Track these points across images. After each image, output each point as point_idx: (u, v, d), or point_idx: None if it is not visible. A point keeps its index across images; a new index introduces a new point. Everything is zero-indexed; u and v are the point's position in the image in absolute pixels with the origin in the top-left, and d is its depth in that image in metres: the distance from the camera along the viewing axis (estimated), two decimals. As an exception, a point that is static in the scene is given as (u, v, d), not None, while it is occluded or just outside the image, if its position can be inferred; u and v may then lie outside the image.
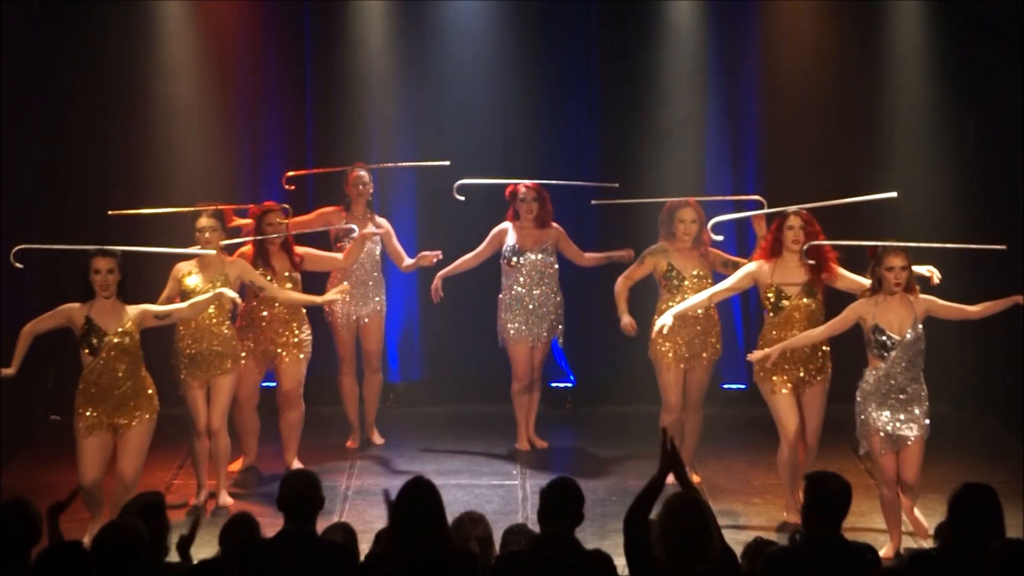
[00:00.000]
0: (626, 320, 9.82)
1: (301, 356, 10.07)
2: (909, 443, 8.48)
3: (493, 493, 9.74)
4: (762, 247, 9.29)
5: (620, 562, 6.14)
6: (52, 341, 10.69)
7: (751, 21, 11.82)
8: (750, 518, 9.27)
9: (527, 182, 10.65)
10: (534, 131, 11.98)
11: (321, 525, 6.44)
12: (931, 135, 11.76)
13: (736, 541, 8.30)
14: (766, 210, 9.75)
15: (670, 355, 9.75)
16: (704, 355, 9.81)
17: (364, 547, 6.58)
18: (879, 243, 8.59)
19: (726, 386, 10.30)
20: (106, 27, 11.49)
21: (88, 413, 8.62)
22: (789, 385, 9.08)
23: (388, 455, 10.73)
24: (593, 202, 10.75)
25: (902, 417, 8.48)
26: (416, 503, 5.98)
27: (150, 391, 8.76)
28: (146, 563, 5.67)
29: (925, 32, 11.65)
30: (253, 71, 11.76)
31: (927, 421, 8.51)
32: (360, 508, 9.42)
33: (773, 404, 9.13)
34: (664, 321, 9.35)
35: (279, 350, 10.03)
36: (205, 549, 6.68)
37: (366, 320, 10.79)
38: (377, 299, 10.81)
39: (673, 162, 11.79)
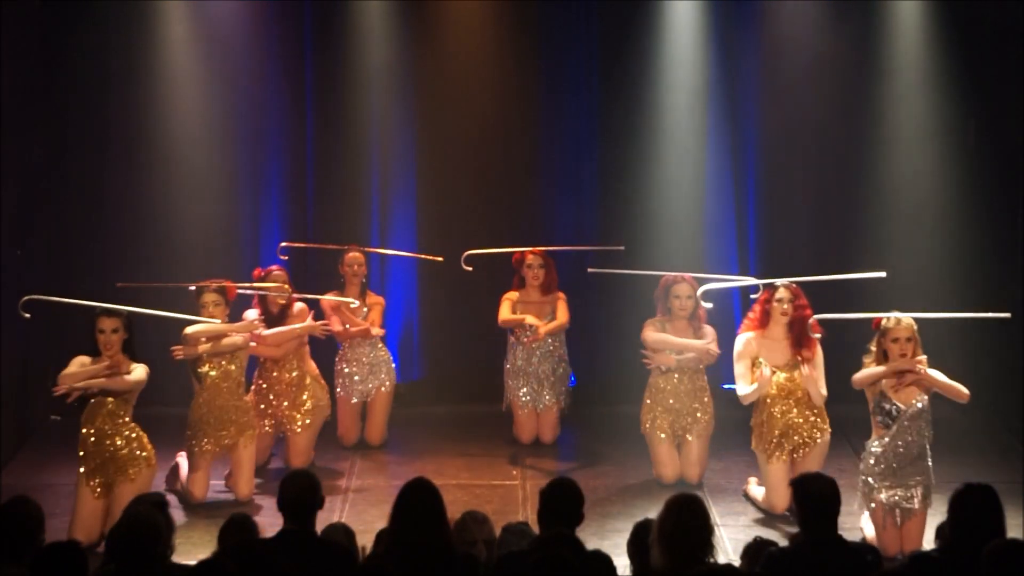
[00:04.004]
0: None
1: (308, 421, 10.18)
2: (913, 515, 8.48)
3: (493, 493, 9.74)
4: (751, 318, 9.40)
5: (620, 562, 6.14)
6: (52, 342, 10.73)
7: (751, 26, 11.81)
8: (750, 518, 9.28)
9: (534, 248, 10.76)
10: (534, 133, 12.01)
11: (321, 525, 6.45)
12: (931, 135, 11.75)
13: (736, 541, 8.38)
14: (758, 283, 9.83)
15: (657, 430, 9.84)
16: (696, 430, 9.83)
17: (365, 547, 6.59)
18: (884, 314, 8.61)
19: (726, 386, 10.29)
20: (106, 29, 11.48)
21: (86, 470, 8.74)
22: (781, 455, 9.22)
23: (388, 455, 10.73)
24: (590, 270, 10.79)
25: (904, 492, 8.48)
26: (417, 503, 5.98)
27: (144, 452, 8.83)
28: (163, 552, 5.68)
29: (926, 32, 11.65)
30: (253, 74, 11.73)
31: (930, 494, 8.48)
32: (360, 508, 9.41)
33: (766, 473, 9.29)
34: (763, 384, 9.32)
35: (289, 412, 10.15)
36: (204, 549, 6.70)
37: (370, 398, 10.79)
38: (383, 376, 10.79)
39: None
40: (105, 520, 8.68)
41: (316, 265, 11.33)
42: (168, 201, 11.67)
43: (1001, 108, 11.33)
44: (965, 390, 8.54)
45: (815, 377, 9.22)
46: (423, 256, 11.26)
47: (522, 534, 6.40)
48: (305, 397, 10.19)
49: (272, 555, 5.58)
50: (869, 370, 8.59)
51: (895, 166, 11.82)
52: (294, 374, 10.18)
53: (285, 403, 10.16)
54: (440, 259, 11.06)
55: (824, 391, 9.10)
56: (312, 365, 10.32)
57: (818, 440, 9.26)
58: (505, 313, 10.68)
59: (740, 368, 9.36)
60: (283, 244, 10.81)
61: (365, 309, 10.74)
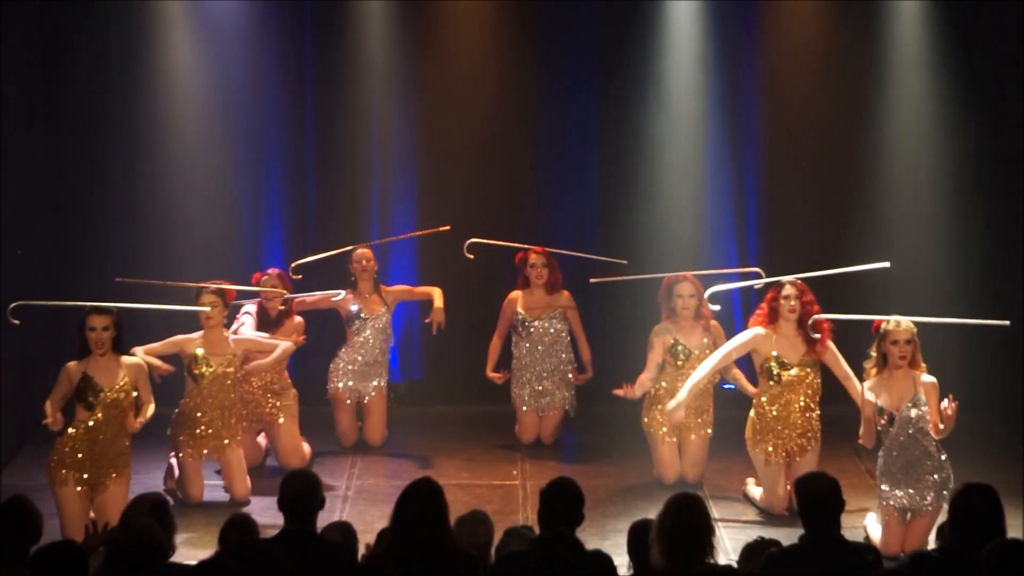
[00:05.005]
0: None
1: (282, 419, 10.21)
2: (920, 516, 8.47)
3: (493, 493, 9.74)
4: (758, 315, 9.41)
5: (620, 561, 6.14)
6: (52, 342, 10.72)
7: (751, 27, 11.81)
8: (750, 518, 9.27)
9: (537, 248, 10.78)
10: (535, 133, 12.01)
11: (321, 526, 6.44)
12: (931, 135, 11.75)
13: (736, 541, 8.38)
14: (761, 280, 9.83)
15: (658, 429, 9.84)
16: (697, 430, 9.84)
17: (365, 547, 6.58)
18: (884, 316, 8.60)
19: (726, 386, 10.29)
20: (106, 30, 11.46)
21: (61, 471, 8.68)
22: (782, 454, 9.25)
23: (388, 455, 10.72)
24: (592, 280, 10.81)
25: (916, 493, 8.47)
26: (420, 504, 5.97)
27: (126, 454, 8.84)
28: (164, 556, 5.68)
29: (926, 32, 11.64)
30: (253, 74, 11.71)
31: (943, 493, 8.42)
32: (360, 508, 9.41)
33: (763, 474, 9.31)
34: (675, 411, 9.43)
35: (270, 409, 10.19)
36: (204, 549, 6.68)
37: (367, 399, 10.79)
38: (379, 380, 10.79)
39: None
40: (90, 516, 8.67)
41: (324, 271, 11.28)
42: (168, 201, 11.66)
43: (1001, 108, 11.33)
44: (941, 432, 8.49)
45: (836, 361, 9.24)
46: (428, 231, 11.25)
47: (522, 538, 6.39)
48: (278, 388, 10.20)
49: (272, 555, 5.58)
50: (863, 429, 8.57)
51: (895, 166, 11.81)
52: (273, 379, 10.20)
53: (266, 404, 10.18)
54: (447, 228, 11.06)
55: (858, 386, 8.93)
56: (285, 373, 10.32)
57: (813, 442, 9.26)
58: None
59: (730, 346, 9.41)
60: (295, 264, 10.77)
61: (384, 312, 10.75)
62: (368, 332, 10.72)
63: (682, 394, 9.45)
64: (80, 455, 8.70)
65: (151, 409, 8.94)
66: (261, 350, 9.85)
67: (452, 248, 11.11)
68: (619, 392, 9.75)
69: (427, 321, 10.74)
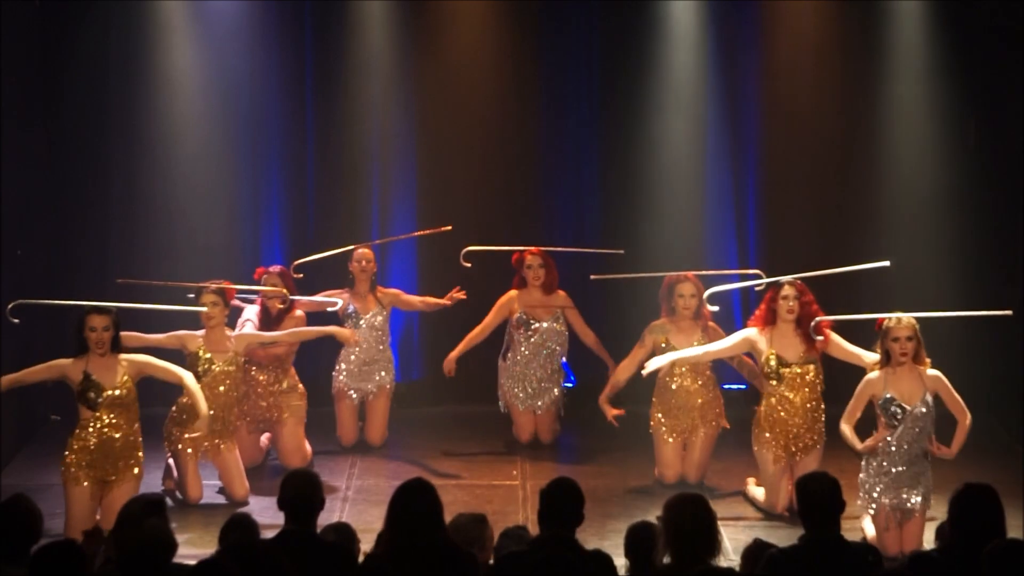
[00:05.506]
0: (608, 412, 9.88)
1: (287, 415, 10.22)
2: (915, 515, 8.50)
3: (493, 493, 9.74)
4: (756, 316, 9.42)
5: (620, 562, 6.14)
6: (52, 341, 10.72)
7: (751, 27, 11.81)
8: (750, 518, 9.27)
9: (533, 248, 10.77)
10: (534, 134, 12.01)
11: (321, 526, 6.44)
12: (931, 135, 11.75)
13: (736, 541, 8.38)
14: (762, 281, 9.84)
15: (663, 429, 9.85)
16: (703, 431, 9.83)
17: (365, 547, 6.58)
18: (885, 315, 8.61)
19: (726, 386, 10.30)
20: (106, 30, 11.47)
21: (77, 471, 8.70)
22: (783, 456, 9.25)
23: (388, 455, 10.73)
24: (593, 277, 10.81)
25: (906, 492, 8.50)
26: (413, 504, 5.97)
27: (139, 452, 8.88)
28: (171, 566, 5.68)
29: (926, 32, 11.65)
30: (253, 74, 11.72)
31: (929, 495, 8.50)
32: (360, 508, 9.42)
33: (766, 474, 9.31)
34: (653, 364, 9.44)
35: (274, 412, 10.21)
36: (204, 549, 6.67)
37: (370, 397, 10.81)
38: (383, 374, 10.81)
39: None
40: (96, 516, 8.66)
41: (326, 270, 11.30)
42: (168, 201, 11.67)
43: (1001, 108, 11.33)
44: (968, 415, 8.55)
45: (844, 350, 9.21)
46: (430, 231, 11.25)
47: (519, 539, 6.39)
48: (286, 386, 10.21)
49: (273, 555, 5.58)
50: (849, 438, 8.62)
51: (895, 166, 11.82)
52: (279, 378, 10.21)
53: (270, 403, 10.19)
54: (449, 228, 11.06)
55: (869, 356, 8.95)
56: (292, 370, 10.33)
57: (817, 442, 9.27)
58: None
59: (726, 343, 9.43)
60: (296, 263, 10.78)
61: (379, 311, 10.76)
62: (365, 331, 10.72)
63: (660, 360, 9.48)
64: (92, 454, 8.73)
65: (189, 379, 9.02)
66: (264, 343, 9.89)
67: (452, 249, 11.10)
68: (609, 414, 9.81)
69: (448, 302, 10.71)
